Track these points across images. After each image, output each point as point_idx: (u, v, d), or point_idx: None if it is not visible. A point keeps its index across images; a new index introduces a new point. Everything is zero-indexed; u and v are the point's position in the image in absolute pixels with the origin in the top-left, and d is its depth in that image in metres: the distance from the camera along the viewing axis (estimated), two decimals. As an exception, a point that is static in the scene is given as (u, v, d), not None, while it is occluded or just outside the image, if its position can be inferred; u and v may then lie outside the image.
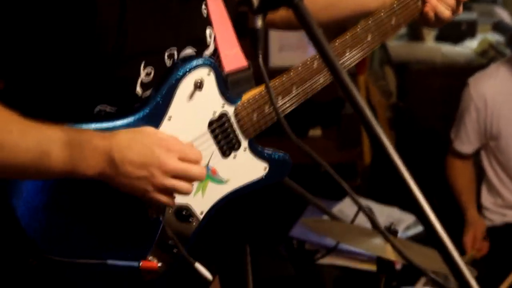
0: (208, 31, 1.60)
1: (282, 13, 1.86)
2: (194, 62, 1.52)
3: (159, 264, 1.52)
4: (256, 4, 1.24)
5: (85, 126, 1.42)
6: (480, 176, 3.41)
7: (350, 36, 1.75)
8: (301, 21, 1.10)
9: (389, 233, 2.01)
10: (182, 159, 1.44)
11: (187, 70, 1.51)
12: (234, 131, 1.62)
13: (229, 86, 1.59)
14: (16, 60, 1.38)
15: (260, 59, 1.32)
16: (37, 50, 1.37)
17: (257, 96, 1.63)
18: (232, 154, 1.62)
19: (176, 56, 1.52)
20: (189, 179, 1.46)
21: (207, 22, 1.60)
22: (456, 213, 3.30)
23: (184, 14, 1.54)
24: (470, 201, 3.36)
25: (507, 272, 2.98)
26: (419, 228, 3.40)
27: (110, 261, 1.48)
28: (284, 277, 3.38)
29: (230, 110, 1.60)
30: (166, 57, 1.50)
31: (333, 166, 1.46)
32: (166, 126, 1.50)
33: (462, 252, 3.19)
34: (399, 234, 2.31)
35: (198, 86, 1.52)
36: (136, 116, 1.47)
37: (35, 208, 1.43)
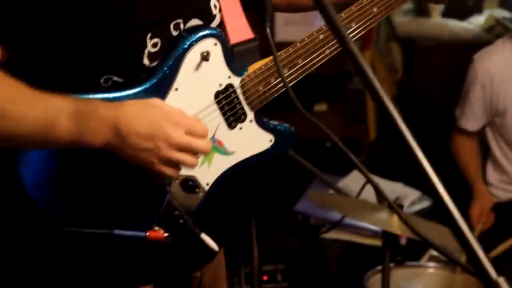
0: (212, 2, 1.60)
1: None
2: (201, 33, 1.52)
3: (166, 234, 1.53)
4: None
5: (92, 96, 1.43)
6: (485, 153, 3.41)
7: (356, 9, 1.74)
8: None
9: (389, 205, 2.01)
10: (189, 133, 1.44)
11: (194, 40, 1.51)
12: (240, 103, 1.62)
13: (234, 57, 1.59)
14: (23, 29, 1.38)
15: (268, 31, 1.32)
16: (44, 19, 1.37)
17: (263, 68, 1.63)
18: (238, 126, 1.63)
19: (182, 27, 1.52)
20: (195, 152, 1.46)
21: None
22: (460, 189, 3.31)
23: None
24: (477, 175, 3.37)
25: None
26: (424, 204, 3.41)
27: (117, 231, 1.49)
28: (288, 249, 3.39)
29: (236, 81, 1.60)
30: (172, 28, 1.50)
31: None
32: (173, 97, 1.50)
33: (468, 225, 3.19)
34: (404, 210, 2.31)
35: (205, 56, 1.52)
36: (143, 87, 1.47)
37: (43, 178, 1.44)
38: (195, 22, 1.55)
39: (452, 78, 3.87)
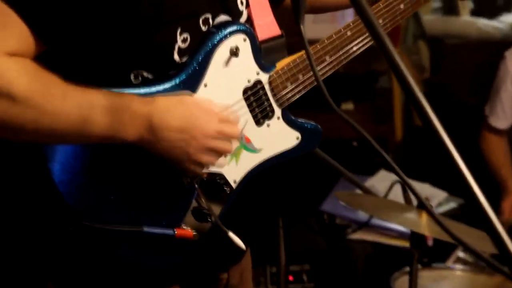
0: None
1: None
2: (231, 28, 1.51)
3: (194, 232, 1.53)
4: None
5: (124, 91, 1.42)
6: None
7: (384, 5, 1.74)
8: None
9: (423, 206, 1.99)
10: (221, 121, 1.46)
11: (224, 36, 1.50)
12: (268, 99, 1.61)
13: (262, 54, 1.58)
14: (60, 23, 1.37)
15: (302, 27, 1.31)
16: (79, 12, 1.36)
17: (291, 65, 1.62)
18: (266, 123, 1.62)
19: (211, 22, 1.51)
20: (228, 139, 1.49)
21: None
22: (490, 189, 3.27)
23: None
24: (509, 172, 3.33)
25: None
26: (450, 205, 3.38)
27: (146, 228, 1.49)
28: (314, 250, 3.37)
29: (264, 78, 1.59)
30: (201, 23, 1.49)
31: (364, 140, 1.45)
32: (202, 93, 1.49)
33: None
34: (432, 210, 2.29)
35: (234, 52, 1.51)
36: (173, 82, 1.46)
37: (72, 173, 1.44)
38: (223, 17, 1.54)
39: (481, 77, 3.84)
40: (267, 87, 1.60)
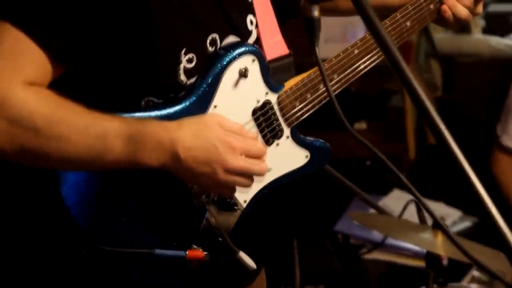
0: (249, 18, 1.60)
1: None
2: (239, 50, 1.52)
3: (205, 253, 1.53)
4: None
5: (138, 115, 1.43)
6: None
7: (390, 23, 1.75)
8: (360, 11, 1.09)
9: (438, 226, 1.98)
10: (245, 154, 1.45)
11: (233, 57, 1.51)
12: (277, 119, 1.61)
13: (271, 73, 1.59)
14: (75, 46, 1.37)
15: (317, 49, 1.32)
16: (92, 34, 1.37)
17: (299, 84, 1.63)
18: (275, 143, 1.62)
19: (218, 43, 1.52)
20: (251, 176, 1.48)
21: (250, 9, 1.60)
22: (505, 209, 3.24)
23: (227, 0, 1.54)
24: None
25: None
26: (465, 224, 3.36)
27: (157, 250, 1.49)
28: (330, 271, 3.36)
29: (273, 98, 1.60)
30: (208, 43, 1.50)
31: (377, 160, 1.45)
32: None
33: None
34: (446, 229, 2.27)
35: (243, 73, 1.52)
36: (183, 105, 1.47)
37: (84, 197, 1.44)
38: (232, 38, 1.55)
39: (493, 95, 3.82)
40: (276, 107, 1.60)
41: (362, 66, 1.70)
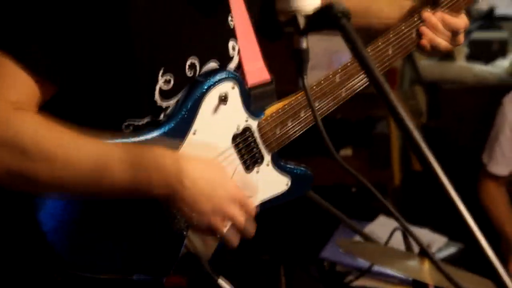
0: (231, 44, 1.60)
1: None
2: (219, 76, 1.52)
3: (183, 279, 1.53)
4: (303, 26, 1.26)
5: (117, 141, 1.41)
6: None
7: (372, 50, 1.76)
8: (347, 40, 1.09)
9: (425, 254, 1.97)
10: (241, 207, 1.46)
11: (212, 83, 1.51)
12: (257, 146, 1.62)
13: (252, 100, 1.59)
14: (64, 63, 1.35)
15: (306, 80, 1.32)
16: (78, 50, 1.35)
17: (280, 111, 1.64)
18: (255, 169, 1.62)
19: (198, 67, 1.52)
20: (239, 229, 1.49)
21: (232, 34, 1.60)
22: (491, 235, 3.24)
23: (209, 24, 1.54)
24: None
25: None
26: (450, 250, 3.36)
27: (136, 276, 1.48)
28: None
29: (253, 124, 1.60)
30: (187, 66, 1.49)
31: (363, 186, 1.45)
32: (191, 140, 1.50)
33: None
34: (431, 256, 2.26)
35: (223, 99, 1.52)
36: (162, 130, 1.47)
37: (62, 223, 1.43)
38: (212, 65, 1.55)
39: (478, 122, 3.84)
40: (256, 133, 1.61)
41: (343, 94, 1.71)
